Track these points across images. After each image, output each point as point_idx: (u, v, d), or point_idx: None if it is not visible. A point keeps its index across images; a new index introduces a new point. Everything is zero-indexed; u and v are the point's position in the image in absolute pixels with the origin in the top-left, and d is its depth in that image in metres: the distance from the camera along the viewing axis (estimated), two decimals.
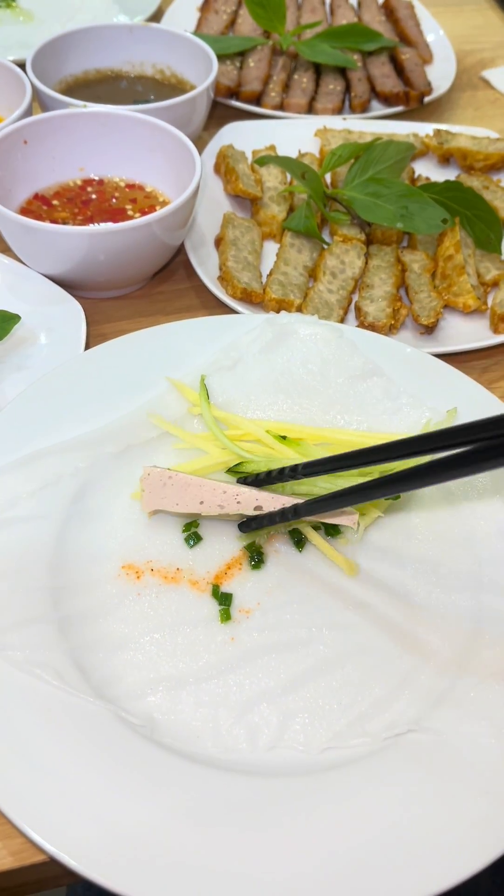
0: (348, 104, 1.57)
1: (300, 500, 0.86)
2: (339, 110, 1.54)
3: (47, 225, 1.03)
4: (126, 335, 1.02)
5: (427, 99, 1.56)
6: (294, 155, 1.40)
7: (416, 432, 0.96)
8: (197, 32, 1.66)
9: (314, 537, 0.88)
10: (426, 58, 1.69)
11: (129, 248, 1.06)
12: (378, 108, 1.56)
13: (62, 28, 1.62)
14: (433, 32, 1.76)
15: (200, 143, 1.38)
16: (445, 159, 1.43)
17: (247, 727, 0.75)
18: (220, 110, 1.53)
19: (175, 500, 0.86)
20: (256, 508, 0.85)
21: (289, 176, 1.35)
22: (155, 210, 1.19)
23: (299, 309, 1.12)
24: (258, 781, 0.71)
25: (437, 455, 0.67)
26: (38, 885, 0.76)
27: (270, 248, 1.26)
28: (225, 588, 0.85)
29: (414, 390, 0.99)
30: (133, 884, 0.64)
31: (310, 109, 1.54)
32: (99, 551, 0.86)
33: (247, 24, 1.71)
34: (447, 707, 0.75)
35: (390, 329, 1.12)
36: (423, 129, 1.48)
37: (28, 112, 1.22)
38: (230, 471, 0.90)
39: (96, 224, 1.18)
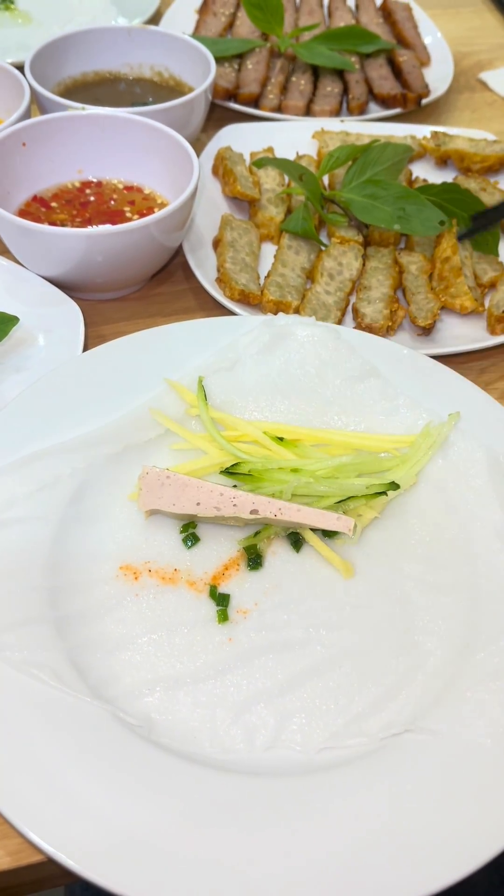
0: (346, 106, 1.57)
1: (296, 505, 0.86)
2: (336, 112, 1.54)
3: (46, 227, 1.03)
4: (124, 336, 1.02)
5: (424, 101, 1.57)
6: (292, 157, 1.40)
7: (414, 433, 0.96)
8: (195, 35, 1.66)
9: (311, 538, 0.88)
10: (424, 60, 1.69)
11: (127, 249, 1.06)
12: (376, 111, 1.57)
13: (60, 30, 1.62)
14: (431, 34, 1.77)
15: (199, 145, 1.38)
16: (443, 161, 1.44)
17: (244, 727, 0.75)
18: (219, 112, 1.53)
19: (172, 500, 0.87)
20: (252, 512, 0.85)
21: (286, 178, 1.35)
22: (153, 212, 1.19)
23: (297, 310, 1.13)
24: (255, 781, 0.72)
25: None
26: (36, 886, 0.76)
27: (268, 250, 1.26)
28: (222, 589, 0.85)
29: (411, 392, 1.00)
30: (130, 883, 0.64)
31: (307, 111, 1.54)
32: (97, 552, 0.86)
33: (245, 27, 1.71)
34: (443, 707, 0.76)
35: (388, 330, 1.12)
36: (421, 132, 1.48)
37: (27, 114, 1.22)
38: (225, 472, 0.91)
39: (94, 226, 1.18)
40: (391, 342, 1.04)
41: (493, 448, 0.94)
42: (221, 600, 0.84)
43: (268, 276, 1.17)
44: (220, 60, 1.54)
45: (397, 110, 1.56)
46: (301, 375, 1.02)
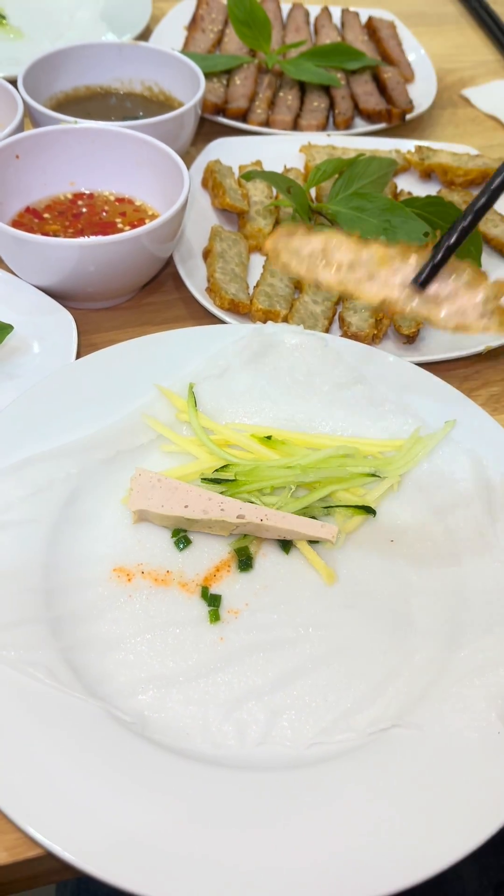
0: (332, 121, 1.61)
1: (281, 513, 0.88)
2: (323, 127, 1.58)
3: (39, 237, 1.06)
4: (116, 345, 1.04)
5: (409, 116, 1.60)
6: (280, 170, 1.43)
7: (400, 438, 0.99)
8: (184, 51, 1.69)
9: (299, 542, 0.90)
10: (408, 76, 1.73)
11: (118, 260, 1.08)
12: (361, 125, 1.60)
13: (52, 45, 1.65)
14: (414, 52, 1.81)
15: (188, 158, 1.41)
16: (427, 175, 1.47)
17: (236, 724, 0.77)
18: (208, 126, 1.56)
19: (161, 501, 0.89)
20: (239, 517, 0.88)
21: (274, 190, 1.38)
22: (144, 223, 1.22)
23: (285, 319, 1.15)
24: (247, 776, 0.73)
25: None
26: (31, 882, 0.77)
27: (257, 261, 1.29)
28: (214, 590, 0.87)
29: (397, 398, 1.02)
30: (125, 874, 0.65)
31: (295, 126, 1.58)
32: (90, 554, 0.88)
33: (233, 43, 1.75)
34: (429, 702, 0.78)
35: (373, 339, 1.15)
36: (406, 146, 1.52)
37: (20, 128, 1.25)
38: (206, 480, 0.92)
39: (87, 237, 1.21)
40: (377, 350, 1.07)
41: (476, 452, 0.97)
42: (213, 601, 0.85)
43: (257, 286, 1.19)
44: (208, 76, 1.57)
45: (382, 125, 1.59)
46: (289, 382, 1.04)
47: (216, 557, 0.90)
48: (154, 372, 1.02)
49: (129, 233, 1.06)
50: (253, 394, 1.03)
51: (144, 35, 1.76)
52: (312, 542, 0.90)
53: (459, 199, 1.39)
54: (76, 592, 0.85)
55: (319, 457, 0.94)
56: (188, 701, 0.78)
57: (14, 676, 0.76)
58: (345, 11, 1.90)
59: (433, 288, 0.71)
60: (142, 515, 0.90)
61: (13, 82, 1.32)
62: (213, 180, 1.34)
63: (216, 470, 0.94)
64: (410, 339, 1.16)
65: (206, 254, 1.25)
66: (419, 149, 1.48)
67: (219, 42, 1.77)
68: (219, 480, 0.92)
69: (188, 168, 1.18)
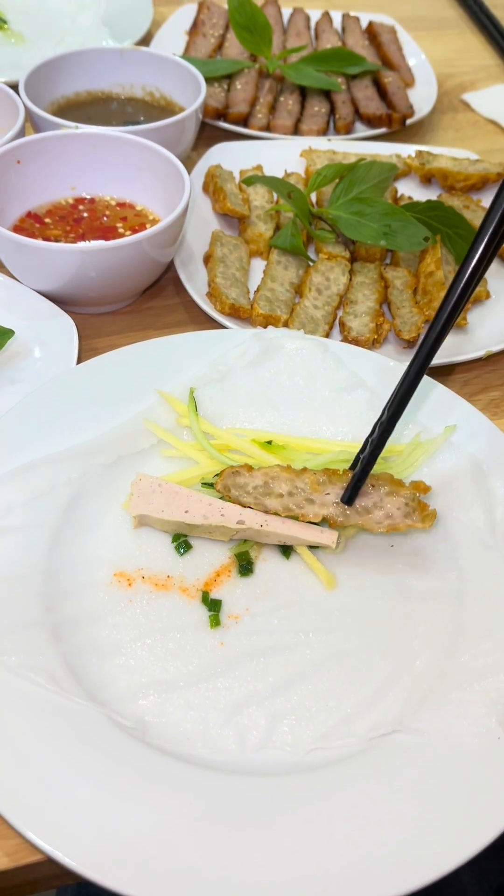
0: (333, 126, 1.61)
1: (281, 518, 0.88)
2: (323, 132, 1.58)
3: (40, 242, 1.06)
4: (117, 349, 1.04)
5: (409, 121, 1.61)
6: (280, 175, 1.44)
7: (401, 443, 0.99)
8: (185, 56, 1.70)
9: (299, 547, 0.90)
10: (408, 81, 1.73)
11: (119, 265, 1.09)
12: (362, 130, 1.61)
13: (53, 50, 1.66)
14: (415, 56, 1.82)
15: (189, 163, 1.41)
16: (427, 179, 1.47)
17: (236, 729, 0.77)
18: (209, 131, 1.57)
19: (162, 506, 0.89)
20: (239, 522, 0.88)
21: (275, 195, 1.38)
22: (145, 228, 1.22)
23: (286, 324, 1.16)
24: (247, 781, 0.74)
25: None
26: (32, 887, 0.77)
27: (257, 266, 1.29)
28: (214, 595, 0.87)
29: None
30: (126, 879, 0.65)
31: (295, 131, 1.58)
32: (91, 559, 0.88)
33: (234, 48, 1.75)
34: (429, 708, 0.78)
35: (373, 343, 1.15)
36: (406, 151, 1.52)
37: (21, 133, 1.25)
38: (205, 485, 0.93)
39: (88, 242, 1.21)
40: (377, 354, 1.07)
41: (476, 457, 0.97)
42: (213, 606, 0.86)
43: (257, 291, 1.20)
44: (209, 81, 1.58)
45: (383, 130, 1.59)
46: (290, 387, 1.04)
47: (217, 562, 0.90)
48: (155, 377, 1.02)
49: (130, 238, 1.06)
50: (253, 398, 1.04)
51: (145, 40, 1.76)
52: (313, 546, 0.90)
53: (460, 203, 1.39)
54: (77, 597, 0.85)
55: (320, 461, 0.95)
56: (188, 706, 0.78)
57: (15, 681, 0.76)
58: (345, 16, 1.91)
59: (362, 502, 0.87)
60: (142, 520, 0.90)
61: (14, 87, 1.33)
62: (213, 185, 1.35)
63: (217, 475, 0.94)
64: (411, 344, 1.16)
65: (207, 258, 1.25)
66: (419, 153, 1.49)
67: (220, 47, 1.78)
68: (215, 487, 0.92)
69: (189, 173, 1.18)
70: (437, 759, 0.74)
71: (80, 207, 1.27)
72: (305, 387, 1.04)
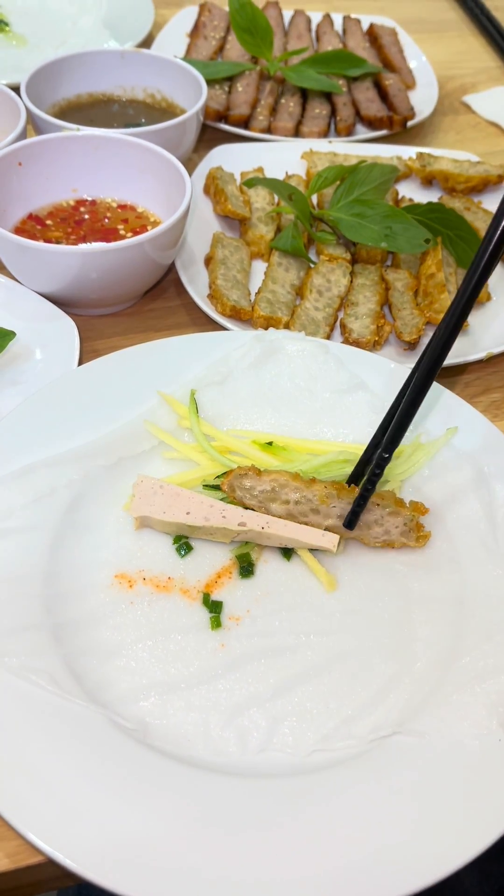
0: (333, 128, 1.61)
1: (283, 521, 0.89)
2: (324, 134, 1.58)
3: (42, 244, 1.06)
4: (118, 351, 1.04)
5: (410, 123, 1.61)
6: (281, 177, 1.44)
7: (403, 445, 0.99)
8: (186, 58, 1.70)
9: (300, 549, 0.90)
10: (409, 83, 1.73)
11: (120, 266, 1.09)
12: (363, 132, 1.61)
13: (55, 52, 1.66)
14: (416, 58, 1.82)
15: (190, 165, 1.41)
16: (428, 181, 1.48)
17: (237, 731, 0.77)
18: (210, 133, 1.57)
19: (163, 508, 0.89)
20: (240, 524, 0.88)
21: (276, 197, 1.38)
22: (146, 230, 1.22)
23: (287, 326, 1.16)
24: (248, 783, 0.74)
25: None
26: (33, 889, 0.77)
27: (258, 267, 1.29)
28: (215, 596, 0.87)
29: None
30: (126, 881, 0.65)
31: (296, 133, 1.58)
32: (92, 561, 0.88)
33: (235, 50, 1.75)
34: (430, 710, 0.78)
35: (374, 345, 1.15)
36: (407, 153, 1.52)
37: (22, 135, 1.25)
38: (206, 486, 0.93)
39: (89, 243, 1.21)
40: (378, 356, 1.07)
41: (478, 459, 0.97)
42: (214, 607, 0.86)
43: (258, 293, 1.20)
44: (210, 83, 1.58)
45: (384, 132, 1.60)
46: (291, 388, 1.04)
47: (217, 564, 0.90)
48: (156, 378, 1.02)
49: (131, 240, 1.06)
50: (254, 400, 1.04)
51: (146, 42, 1.77)
52: (313, 548, 0.90)
53: (461, 205, 1.39)
54: (78, 599, 0.85)
55: (320, 462, 0.95)
56: (189, 708, 0.78)
57: (16, 683, 0.76)
58: (346, 18, 1.91)
59: (364, 517, 0.89)
60: (143, 522, 0.90)
61: (16, 89, 1.33)
62: (214, 187, 1.35)
63: (218, 476, 0.94)
64: (412, 346, 1.16)
65: (208, 260, 1.25)
66: (420, 155, 1.49)
67: (221, 49, 1.78)
68: (220, 487, 0.93)
69: (190, 175, 1.18)
70: (438, 761, 0.74)
71: (82, 209, 1.27)
72: (306, 388, 1.04)
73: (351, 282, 1.25)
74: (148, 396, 1.01)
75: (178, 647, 0.83)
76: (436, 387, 1.04)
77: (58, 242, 1.20)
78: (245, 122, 1.57)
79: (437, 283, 1.20)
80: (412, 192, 1.47)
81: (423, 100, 1.69)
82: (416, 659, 0.83)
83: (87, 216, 1.26)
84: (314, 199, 1.40)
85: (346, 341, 1.15)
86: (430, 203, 1.29)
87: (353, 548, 0.92)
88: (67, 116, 1.44)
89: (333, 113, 1.62)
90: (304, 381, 1.05)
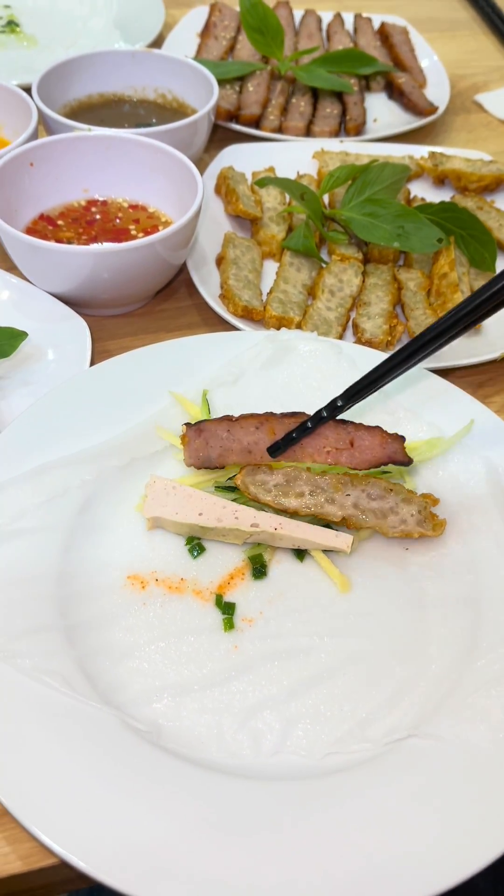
0: (344, 127, 1.60)
1: (295, 521, 0.88)
2: (336, 133, 1.58)
3: (54, 244, 1.06)
4: (130, 351, 1.04)
5: (421, 122, 1.60)
6: (293, 176, 1.43)
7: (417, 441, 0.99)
8: (197, 58, 1.70)
9: (313, 549, 0.90)
10: (420, 82, 1.73)
11: (132, 266, 1.09)
12: (373, 131, 1.60)
13: (65, 53, 1.66)
14: (427, 58, 1.81)
15: (201, 164, 1.41)
16: (440, 181, 1.47)
17: (250, 733, 0.77)
18: (221, 133, 1.57)
19: (176, 508, 0.88)
20: (253, 525, 0.87)
21: (288, 197, 1.38)
22: (158, 230, 1.22)
23: (299, 326, 1.15)
24: (261, 786, 0.73)
25: None
26: (45, 891, 0.77)
27: (270, 267, 1.29)
28: (228, 598, 0.86)
29: (410, 404, 1.02)
30: (139, 884, 0.65)
31: (308, 132, 1.58)
32: (105, 562, 0.88)
33: (246, 50, 1.75)
34: (445, 713, 0.77)
35: (387, 345, 1.15)
36: (419, 152, 1.51)
37: (34, 135, 1.25)
38: (219, 488, 0.93)
39: (100, 244, 1.21)
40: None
41: (492, 460, 0.96)
42: (227, 609, 0.85)
43: (270, 293, 1.19)
44: (221, 83, 1.57)
45: (395, 131, 1.59)
46: (303, 389, 1.04)
47: (230, 565, 0.89)
48: (168, 379, 1.02)
49: (142, 240, 1.06)
50: (267, 400, 1.03)
51: (157, 42, 1.77)
52: (327, 549, 0.90)
53: (473, 204, 1.38)
54: (90, 600, 0.84)
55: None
56: (203, 710, 0.78)
57: (29, 684, 0.76)
58: (357, 17, 1.91)
59: (379, 504, 0.89)
60: (156, 522, 0.90)
61: (27, 90, 1.33)
62: (226, 187, 1.35)
63: (230, 477, 0.94)
64: None
65: (220, 260, 1.25)
66: (432, 155, 1.48)
67: (231, 49, 1.78)
68: (233, 488, 0.92)
69: (201, 175, 1.18)
70: (453, 765, 0.74)
71: (93, 209, 1.27)
72: (319, 389, 1.04)
73: (363, 281, 1.24)
74: (160, 397, 1.01)
75: (191, 649, 0.82)
76: (450, 387, 1.03)
77: (69, 243, 1.20)
78: (256, 122, 1.56)
79: (449, 282, 1.20)
80: (424, 192, 1.46)
81: (434, 99, 1.68)
82: (431, 661, 0.82)
83: (98, 216, 1.26)
84: (326, 198, 1.39)
85: (359, 341, 1.15)
86: (442, 202, 1.28)
87: (366, 549, 0.91)
88: (78, 117, 1.44)
89: (344, 112, 1.62)
90: (316, 381, 1.04)
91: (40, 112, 1.30)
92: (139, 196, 1.28)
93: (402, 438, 0.93)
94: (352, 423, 0.93)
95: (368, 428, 0.93)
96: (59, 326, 1.11)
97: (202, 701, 0.79)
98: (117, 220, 1.26)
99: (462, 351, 1.16)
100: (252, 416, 0.94)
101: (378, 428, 0.93)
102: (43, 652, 0.78)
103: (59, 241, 1.19)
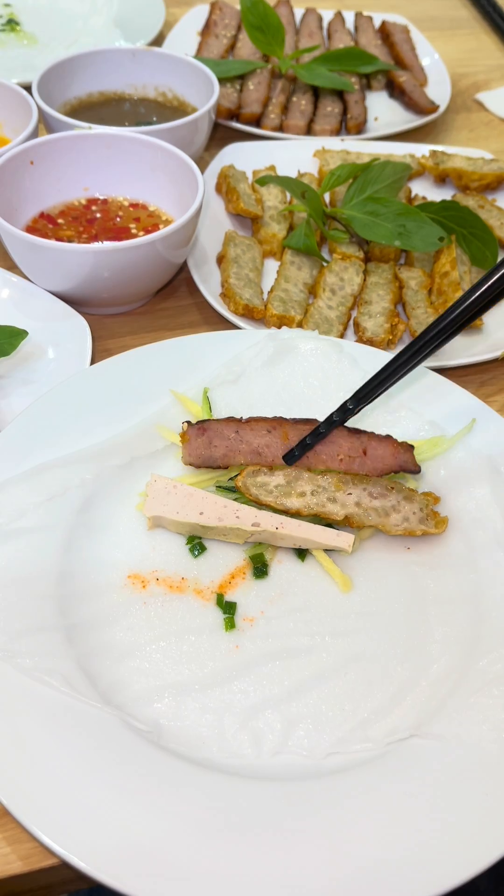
0: (345, 126, 1.60)
1: (297, 520, 0.88)
2: (337, 132, 1.57)
3: (54, 243, 1.06)
4: (131, 350, 1.04)
5: (422, 121, 1.60)
6: (293, 175, 1.43)
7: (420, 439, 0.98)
8: (197, 56, 1.69)
9: (315, 549, 0.90)
10: (421, 81, 1.72)
11: (133, 265, 1.08)
12: (374, 130, 1.60)
13: (65, 51, 1.66)
14: (428, 56, 1.81)
15: (202, 163, 1.41)
16: (441, 179, 1.47)
17: (251, 733, 0.77)
18: (221, 132, 1.56)
19: (176, 508, 0.88)
20: (254, 525, 0.87)
21: (289, 195, 1.38)
22: (158, 229, 1.22)
23: (300, 324, 1.15)
24: (263, 786, 0.73)
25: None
26: (45, 892, 0.77)
27: (271, 266, 1.29)
28: (229, 597, 0.86)
29: (412, 403, 1.02)
30: (140, 885, 0.65)
31: (308, 131, 1.57)
32: (105, 561, 0.88)
33: (246, 48, 1.75)
34: (448, 713, 0.77)
35: (388, 344, 1.14)
36: (420, 150, 1.51)
37: (34, 133, 1.25)
38: (220, 487, 0.93)
39: (101, 242, 1.21)
40: (392, 355, 1.06)
41: (494, 458, 0.96)
42: (228, 608, 0.85)
43: (271, 291, 1.19)
44: (222, 81, 1.57)
45: (396, 129, 1.58)
46: (304, 387, 1.04)
47: (231, 564, 0.89)
48: (168, 377, 1.02)
49: (143, 238, 1.06)
50: (268, 399, 1.03)
51: (158, 41, 1.76)
52: (328, 549, 0.90)
53: (475, 203, 1.38)
54: (91, 599, 0.84)
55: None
56: (204, 709, 0.78)
57: (30, 684, 0.75)
58: (358, 16, 1.90)
59: (381, 502, 0.89)
60: (157, 522, 0.90)
61: (28, 88, 1.33)
62: (226, 185, 1.34)
63: (231, 477, 0.93)
64: None
65: (220, 259, 1.25)
66: (433, 153, 1.48)
67: (232, 47, 1.77)
68: (234, 488, 0.92)
69: (202, 173, 1.17)
70: (455, 765, 0.73)
71: (93, 208, 1.27)
72: (320, 387, 1.03)
73: (364, 280, 1.24)
74: (161, 395, 1.00)
75: (191, 649, 0.82)
76: (451, 386, 1.03)
77: (69, 241, 1.19)
78: (257, 121, 1.56)
79: (451, 281, 1.19)
80: (425, 190, 1.46)
81: (435, 97, 1.68)
82: (433, 661, 0.82)
83: (98, 215, 1.26)
84: (327, 197, 1.39)
85: (360, 340, 1.14)
86: (443, 201, 1.28)
87: (368, 548, 0.91)
88: (79, 115, 1.44)
89: (345, 111, 1.61)
90: (317, 380, 1.04)
91: (40, 110, 1.29)
92: (140, 194, 1.28)
93: (412, 447, 0.94)
94: (364, 432, 0.94)
95: (380, 437, 0.94)
96: (60, 325, 1.10)
97: (203, 701, 0.78)
98: (118, 219, 1.25)
99: (463, 350, 1.16)
100: (263, 419, 0.94)
101: (389, 437, 0.94)
102: (43, 651, 0.78)
103: (59, 239, 1.19)
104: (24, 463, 0.91)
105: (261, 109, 1.56)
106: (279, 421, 0.94)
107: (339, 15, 1.89)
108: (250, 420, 0.94)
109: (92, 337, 1.08)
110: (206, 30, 1.80)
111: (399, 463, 0.93)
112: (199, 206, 1.12)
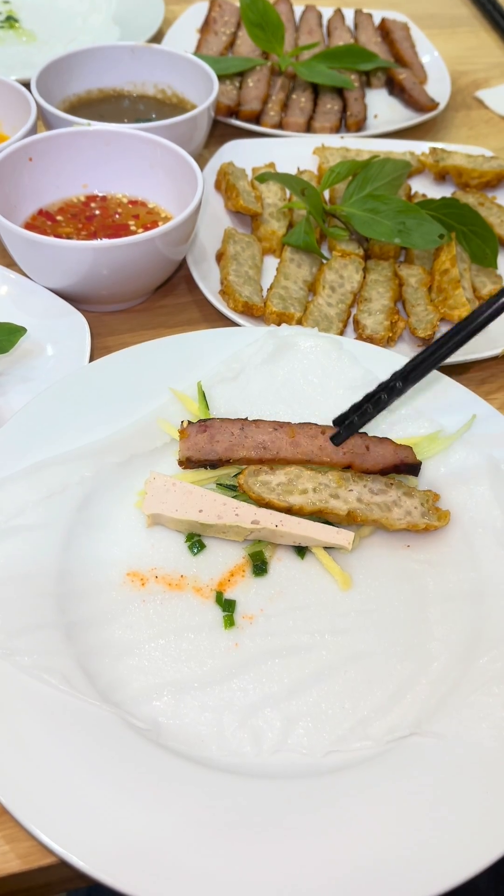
0: (344, 123, 1.60)
1: (296, 518, 0.87)
2: (336, 129, 1.57)
3: (53, 239, 1.05)
4: (130, 347, 1.04)
5: (422, 118, 1.60)
6: (293, 172, 1.42)
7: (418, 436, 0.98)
8: (197, 53, 1.69)
9: (315, 546, 0.89)
10: (421, 78, 1.72)
11: (132, 262, 1.08)
12: (373, 127, 1.60)
13: (64, 48, 1.65)
14: (428, 53, 1.80)
15: (201, 160, 1.40)
16: (441, 177, 1.46)
17: (251, 731, 0.76)
18: (221, 129, 1.56)
19: (175, 505, 0.88)
20: (254, 522, 0.87)
21: (288, 192, 1.37)
22: (157, 226, 1.21)
23: (299, 322, 1.15)
24: (262, 784, 0.73)
25: None
26: (44, 890, 0.76)
27: (271, 263, 1.28)
28: (228, 595, 0.86)
29: (412, 401, 1.01)
30: (139, 884, 0.64)
31: (308, 128, 1.57)
32: (104, 559, 0.87)
33: (246, 46, 1.74)
34: (448, 711, 0.77)
35: (388, 341, 1.14)
36: (420, 148, 1.51)
37: (33, 130, 1.25)
38: (220, 485, 0.92)
39: (100, 239, 1.20)
40: (392, 352, 1.06)
41: (494, 456, 0.95)
42: (227, 606, 0.85)
43: (270, 289, 1.19)
44: (221, 78, 1.57)
45: (396, 127, 1.58)
46: (304, 385, 1.03)
47: (231, 562, 0.89)
48: (167, 375, 1.01)
49: (142, 235, 1.05)
50: (267, 396, 1.03)
51: (157, 38, 1.76)
52: (328, 546, 0.89)
53: (474, 200, 1.38)
54: (90, 597, 0.84)
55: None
56: (203, 707, 0.77)
57: (28, 682, 0.75)
58: (358, 13, 1.90)
59: (383, 497, 0.90)
60: (156, 519, 0.89)
61: (27, 85, 1.32)
62: (226, 182, 1.34)
63: (233, 476, 0.93)
64: (426, 342, 1.14)
65: (220, 256, 1.24)
66: (433, 150, 1.47)
67: (231, 44, 1.77)
68: (234, 485, 0.92)
69: (201, 170, 1.17)
70: (455, 763, 0.73)
71: (92, 205, 1.26)
72: (319, 385, 1.03)
73: (364, 278, 1.24)
74: (160, 393, 1.00)
75: (191, 646, 0.82)
76: (451, 383, 1.03)
77: (68, 238, 1.19)
78: (256, 118, 1.56)
79: (451, 278, 1.19)
80: (425, 188, 1.46)
81: (435, 95, 1.67)
82: (433, 659, 0.82)
83: (97, 212, 1.25)
84: (326, 194, 1.38)
85: (360, 337, 1.14)
86: (443, 198, 1.28)
87: (368, 546, 0.91)
88: (78, 112, 1.43)
89: (345, 108, 1.61)
90: (317, 377, 1.04)
91: (39, 107, 1.29)
92: (139, 191, 1.28)
93: (410, 447, 0.95)
94: (367, 434, 0.95)
95: (380, 438, 0.95)
96: (58, 322, 1.10)
97: (202, 699, 0.78)
98: (117, 216, 1.25)
99: (464, 348, 1.15)
100: (269, 421, 0.95)
101: (387, 439, 0.95)
102: (42, 649, 0.77)
103: (58, 236, 1.19)
104: (23, 460, 0.91)
105: (260, 106, 1.56)
106: (285, 423, 0.95)
107: (338, 12, 1.89)
108: (257, 420, 0.94)
109: (91, 334, 1.08)
110: (206, 27, 1.79)
111: (400, 458, 0.93)
112: (198, 203, 1.11)
